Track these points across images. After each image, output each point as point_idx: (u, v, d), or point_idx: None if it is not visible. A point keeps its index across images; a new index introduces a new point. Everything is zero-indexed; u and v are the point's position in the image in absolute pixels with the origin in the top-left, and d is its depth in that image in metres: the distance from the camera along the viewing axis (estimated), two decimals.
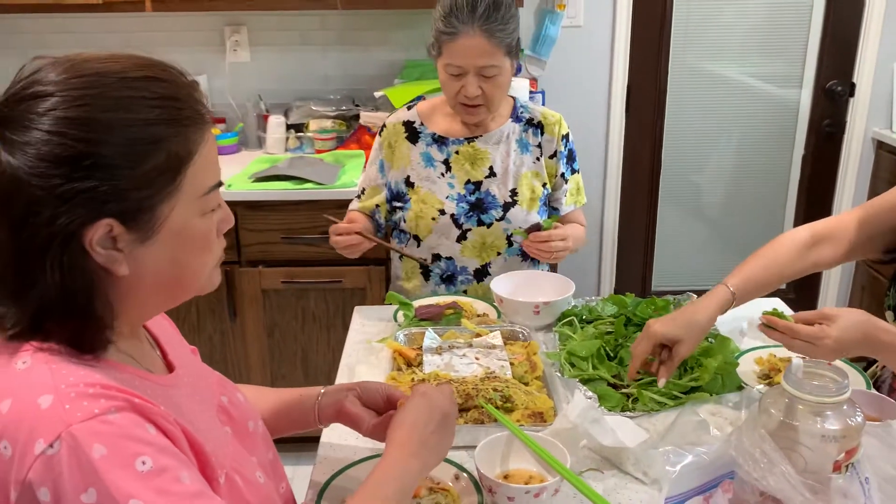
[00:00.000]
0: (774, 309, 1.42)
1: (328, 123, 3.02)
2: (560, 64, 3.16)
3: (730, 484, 1.12)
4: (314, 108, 3.05)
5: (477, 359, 1.52)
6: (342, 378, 1.57)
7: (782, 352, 1.52)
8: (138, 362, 0.89)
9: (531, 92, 2.82)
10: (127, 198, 0.79)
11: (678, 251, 3.57)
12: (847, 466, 1.03)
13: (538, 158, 1.95)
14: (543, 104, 2.95)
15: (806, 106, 3.36)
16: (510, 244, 1.93)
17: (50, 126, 0.77)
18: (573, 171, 2.02)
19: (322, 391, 1.20)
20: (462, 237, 1.92)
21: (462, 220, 1.91)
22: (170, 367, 0.96)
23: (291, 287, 2.72)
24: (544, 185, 1.96)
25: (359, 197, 2.05)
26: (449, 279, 1.96)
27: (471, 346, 1.58)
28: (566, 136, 1.99)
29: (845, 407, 1.03)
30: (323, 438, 1.34)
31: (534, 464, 1.21)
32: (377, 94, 2.90)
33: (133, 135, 0.79)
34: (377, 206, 1.99)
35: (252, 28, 3.09)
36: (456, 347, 1.56)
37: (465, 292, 1.95)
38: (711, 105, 3.37)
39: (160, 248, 0.84)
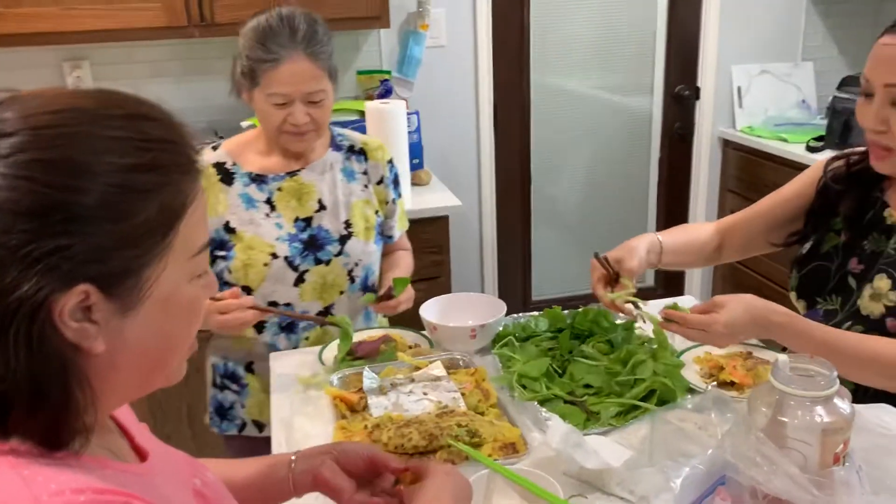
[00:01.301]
0: (675, 304, 1.45)
1: None
2: (428, 84, 3.13)
3: (724, 490, 1.10)
4: None
5: (425, 394, 1.44)
6: (278, 435, 1.42)
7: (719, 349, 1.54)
8: (115, 454, 0.74)
9: (408, 114, 2.76)
10: (109, 259, 0.65)
11: (553, 260, 3.64)
12: (843, 457, 1.04)
13: (366, 186, 1.85)
14: (419, 125, 2.91)
15: (658, 111, 3.53)
16: (352, 280, 1.80)
17: (14, 170, 0.62)
18: (399, 196, 1.94)
19: (293, 458, 1.06)
20: (300, 280, 1.74)
21: (297, 261, 1.74)
22: (139, 453, 0.81)
23: None
24: (376, 212, 1.86)
25: None
26: (289, 327, 1.79)
27: (413, 380, 1.49)
28: (391, 162, 1.90)
29: (835, 399, 1.04)
30: None
31: (518, 500, 1.14)
32: (244, 123, 2.73)
33: (119, 182, 0.65)
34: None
35: (95, 62, 2.83)
36: (399, 384, 1.47)
37: (307, 339, 1.80)
38: (572, 117, 3.47)
39: (143, 320, 0.69)
